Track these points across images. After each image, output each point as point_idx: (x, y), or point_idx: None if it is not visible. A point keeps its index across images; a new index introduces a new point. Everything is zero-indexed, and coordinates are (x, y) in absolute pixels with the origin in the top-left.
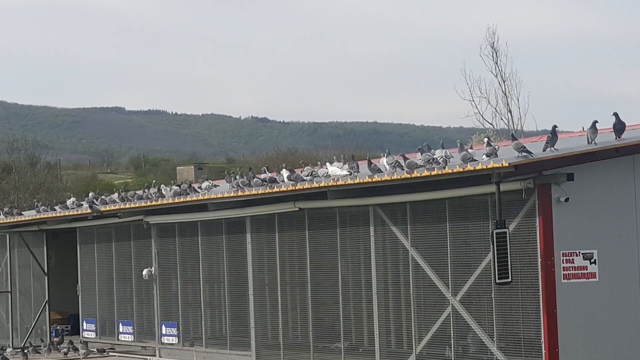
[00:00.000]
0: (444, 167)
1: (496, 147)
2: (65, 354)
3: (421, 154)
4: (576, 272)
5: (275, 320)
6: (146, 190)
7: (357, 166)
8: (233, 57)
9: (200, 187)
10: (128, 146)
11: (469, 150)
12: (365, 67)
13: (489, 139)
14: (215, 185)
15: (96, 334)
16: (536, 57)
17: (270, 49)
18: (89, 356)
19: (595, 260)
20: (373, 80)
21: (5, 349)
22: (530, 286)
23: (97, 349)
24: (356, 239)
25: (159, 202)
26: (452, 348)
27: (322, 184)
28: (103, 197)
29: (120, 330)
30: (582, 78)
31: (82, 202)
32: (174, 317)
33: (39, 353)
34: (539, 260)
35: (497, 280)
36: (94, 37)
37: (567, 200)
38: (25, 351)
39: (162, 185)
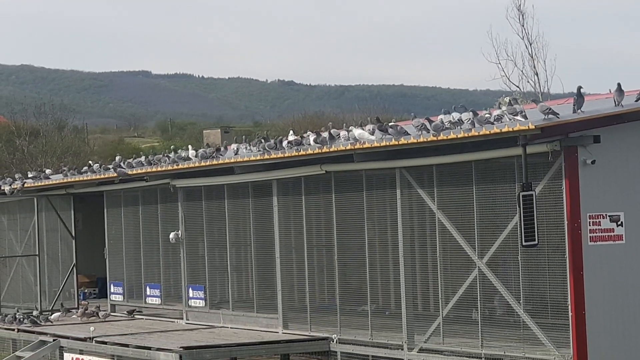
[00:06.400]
0: (470, 130)
1: (518, 108)
2: (90, 315)
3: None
4: (603, 234)
5: (301, 283)
6: (170, 155)
7: (387, 129)
8: (259, 21)
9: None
10: (155, 110)
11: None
12: (392, 30)
13: (515, 99)
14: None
15: (123, 297)
16: (563, 19)
17: (297, 12)
18: (107, 318)
19: (622, 222)
20: (400, 43)
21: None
22: (557, 249)
23: (127, 312)
24: (383, 201)
25: (186, 166)
26: (479, 310)
27: (348, 147)
28: (130, 160)
29: (148, 293)
30: (609, 40)
31: (109, 166)
32: (200, 280)
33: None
34: (566, 222)
35: (524, 243)
36: (120, 1)
37: (593, 162)
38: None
39: (189, 146)
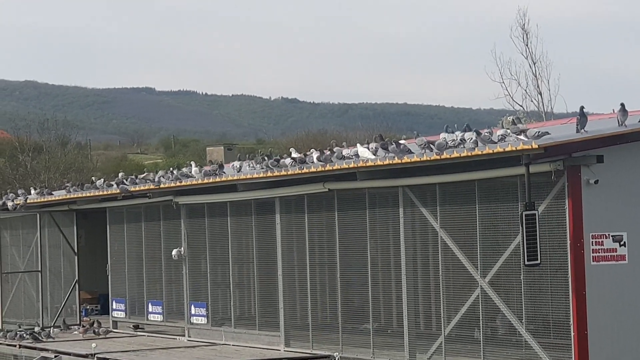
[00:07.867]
0: (474, 149)
1: (521, 127)
2: (91, 332)
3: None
4: (605, 254)
5: (304, 301)
6: (174, 172)
7: (387, 147)
8: (264, 38)
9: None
10: (158, 127)
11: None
12: (395, 48)
13: (519, 119)
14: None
15: (125, 314)
16: (567, 38)
17: (301, 29)
18: (108, 335)
19: (624, 242)
20: (403, 62)
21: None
22: (560, 268)
23: (132, 326)
24: (385, 220)
25: (189, 183)
26: (481, 330)
27: (351, 165)
28: (132, 177)
29: (150, 310)
30: (612, 60)
31: (112, 183)
32: (203, 298)
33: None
34: (568, 242)
35: (526, 262)
36: (124, 17)
37: (596, 182)
38: (53, 330)
39: (192, 162)
